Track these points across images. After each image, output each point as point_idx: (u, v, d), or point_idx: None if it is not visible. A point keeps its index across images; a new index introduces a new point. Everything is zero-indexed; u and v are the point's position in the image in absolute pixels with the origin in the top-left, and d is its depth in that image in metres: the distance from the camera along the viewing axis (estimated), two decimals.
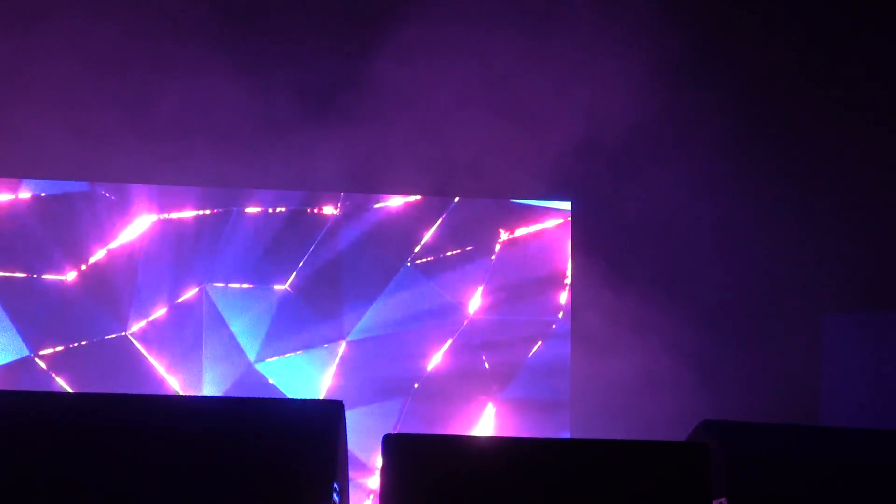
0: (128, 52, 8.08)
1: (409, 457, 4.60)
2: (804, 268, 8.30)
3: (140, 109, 8.03)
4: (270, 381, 8.08)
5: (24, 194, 8.09)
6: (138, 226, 8.13)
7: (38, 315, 8.04)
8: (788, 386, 8.14)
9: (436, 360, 8.17)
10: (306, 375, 8.12)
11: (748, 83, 8.37)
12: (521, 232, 8.30)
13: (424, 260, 8.24)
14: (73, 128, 7.99)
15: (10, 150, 8.03)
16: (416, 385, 8.15)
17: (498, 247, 8.27)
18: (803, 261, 8.30)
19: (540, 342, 8.21)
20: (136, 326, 8.07)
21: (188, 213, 8.16)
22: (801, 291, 8.31)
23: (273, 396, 7.92)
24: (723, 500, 4.68)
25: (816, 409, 8.19)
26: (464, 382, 8.16)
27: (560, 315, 8.24)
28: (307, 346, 8.15)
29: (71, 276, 8.06)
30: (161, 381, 8.02)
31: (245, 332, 8.12)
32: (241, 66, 8.07)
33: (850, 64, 8.42)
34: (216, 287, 8.13)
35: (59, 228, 8.09)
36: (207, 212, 8.17)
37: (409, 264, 8.23)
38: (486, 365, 8.18)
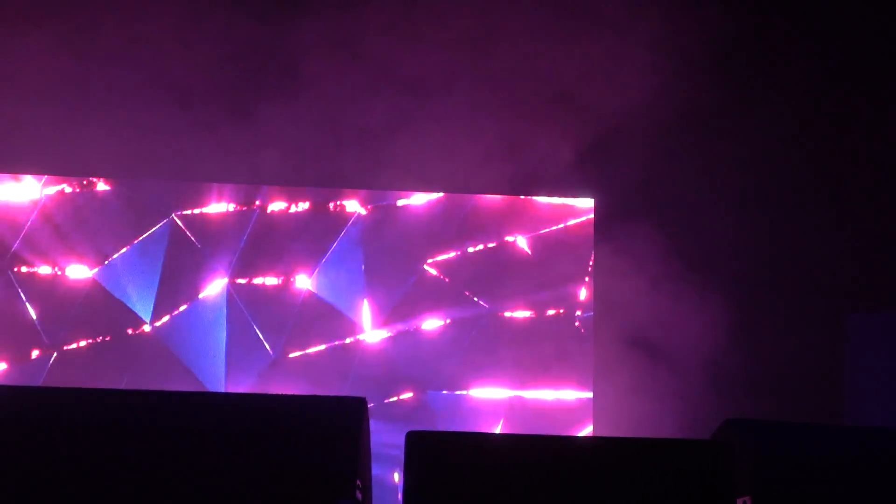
0: (141, 48, 8.10)
1: (433, 454, 4.60)
2: (830, 267, 8.27)
3: (162, 106, 8.05)
4: (293, 376, 8.09)
5: (49, 190, 8.11)
6: (162, 222, 8.14)
7: (61, 310, 8.06)
8: (813, 385, 8.11)
9: (458, 356, 8.16)
10: (329, 371, 8.12)
11: (772, 81, 8.34)
12: (543, 229, 8.28)
13: (446, 256, 8.24)
14: (97, 125, 8.02)
15: (35, 147, 8.05)
16: (438, 382, 8.14)
17: (520, 244, 8.26)
18: (829, 260, 8.27)
19: (562, 339, 8.20)
20: (160, 322, 8.09)
21: (212, 210, 8.17)
22: (826, 290, 8.28)
23: (296, 392, 7.92)
24: (747, 498, 4.66)
25: (841, 408, 8.16)
26: (486, 379, 8.16)
27: (582, 312, 8.22)
28: (330, 342, 8.15)
29: (95, 271, 8.08)
30: (184, 377, 8.03)
31: (268, 327, 8.13)
32: (250, 62, 8.12)
33: (865, 64, 8.39)
34: (239, 283, 8.14)
35: (84, 224, 8.11)
36: (231, 208, 8.18)
37: (431, 261, 8.22)
38: (509, 362, 8.17)
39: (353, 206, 8.24)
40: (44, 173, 8.11)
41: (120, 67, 8.05)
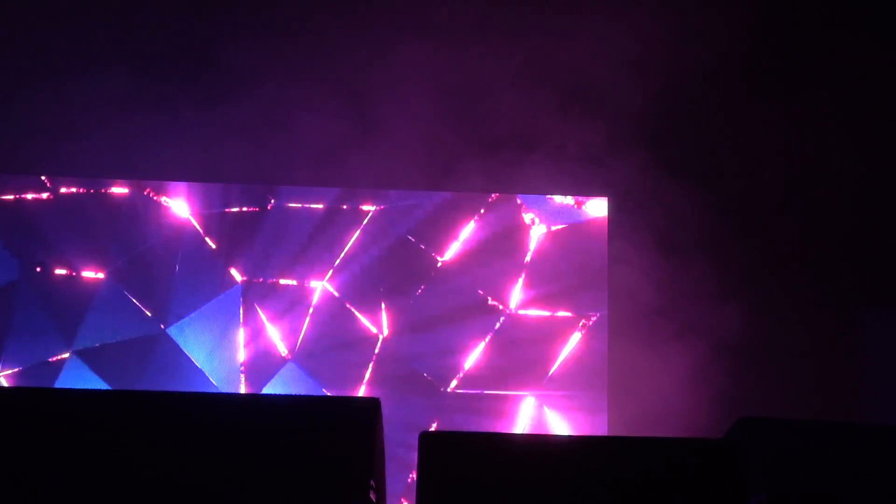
0: (156, 50, 8.14)
1: (446, 455, 4.60)
2: (844, 260, 8.24)
3: (175, 108, 8.06)
4: (308, 377, 8.10)
5: (64, 191, 8.13)
6: (177, 222, 8.16)
7: (76, 312, 8.08)
8: (827, 381, 8.09)
9: (473, 356, 8.16)
10: (344, 371, 8.12)
11: (786, 81, 8.31)
12: (558, 228, 8.28)
13: (462, 256, 8.23)
14: (112, 126, 8.04)
15: (51, 148, 8.07)
16: (453, 382, 8.14)
17: (535, 243, 8.26)
18: (843, 253, 8.24)
19: (577, 338, 8.19)
20: (174, 323, 8.10)
21: (226, 210, 8.19)
22: (840, 284, 8.25)
23: (310, 393, 7.94)
24: (760, 496, 4.65)
25: (856, 405, 8.14)
26: (501, 379, 8.15)
27: (597, 311, 8.21)
28: (345, 342, 8.15)
29: (109, 272, 8.09)
30: (199, 378, 8.04)
31: (282, 328, 8.14)
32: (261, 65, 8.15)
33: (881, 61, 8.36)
34: (253, 283, 8.15)
35: (99, 225, 8.12)
36: (245, 209, 8.20)
37: (446, 260, 8.22)
38: (524, 361, 8.17)
39: (367, 205, 8.24)
40: (59, 174, 8.13)
41: (132, 70, 8.08)
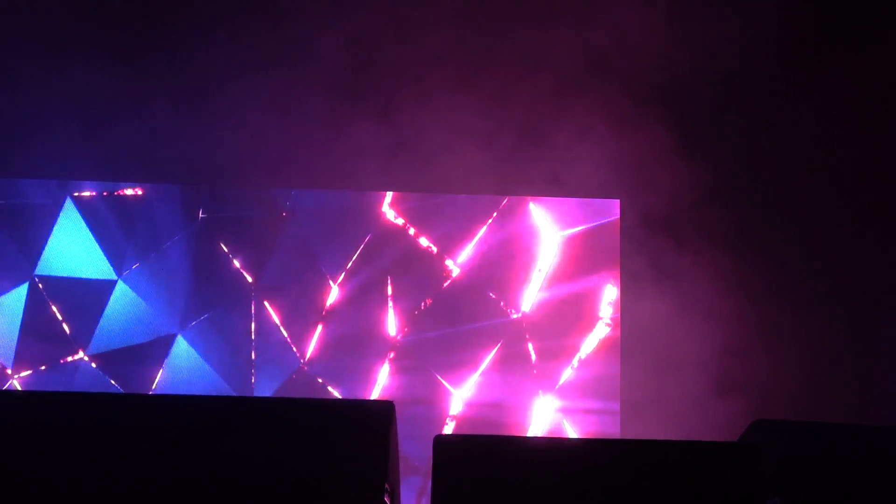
0: (165, 57, 8.17)
1: (460, 457, 4.61)
2: (857, 263, 8.23)
3: (183, 114, 8.08)
4: (320, 380, 8.10)
5: (76, 195, 8.14)
6: (190, 227, 8.17)
7: (90, 316, 8.09)
8: (842, 384, 8.07)
9: (487, 359, 8.16)
10: (357, 375, 8.13)
11: (800, 82, 8.29)
12: (570, 230, 8.27)
13: (475, 259, 8.23)
14: (120, 131, 8.06)
15: (60, 153, 8.09)
16: (466, 384, 8.14)
17: (547, 245, 8.25)
18: (856, 256, 8.23)
19: (590, 341, 8.19)
20: (188, 327, 8.11)
21: (239, 214, 8.19)
22: (854, 287, 8.23)
23: (324, 397, 7.94)
24: (776, 499, 4.65)
25: (870, 407, 8.12)
26: (514, 382, 8.15)
27: (610, 313, 8.20)
28: (358, 345, 8.16)
29: (123, 277, 8.11)
30: (212, 381, 8.05)
31: (295, 331, 8.14)
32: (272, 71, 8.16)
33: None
34: (266, 286, 8.15)
35: (112, 230, 8.14)
36: (258, 212, 8.20)
37: (459, 263, 8.22)
38: (536, 364, 8.17)
39: (379, 208, 8.24)
40: (70, 178, 8.15)
41: (137, 75, 8.11)
